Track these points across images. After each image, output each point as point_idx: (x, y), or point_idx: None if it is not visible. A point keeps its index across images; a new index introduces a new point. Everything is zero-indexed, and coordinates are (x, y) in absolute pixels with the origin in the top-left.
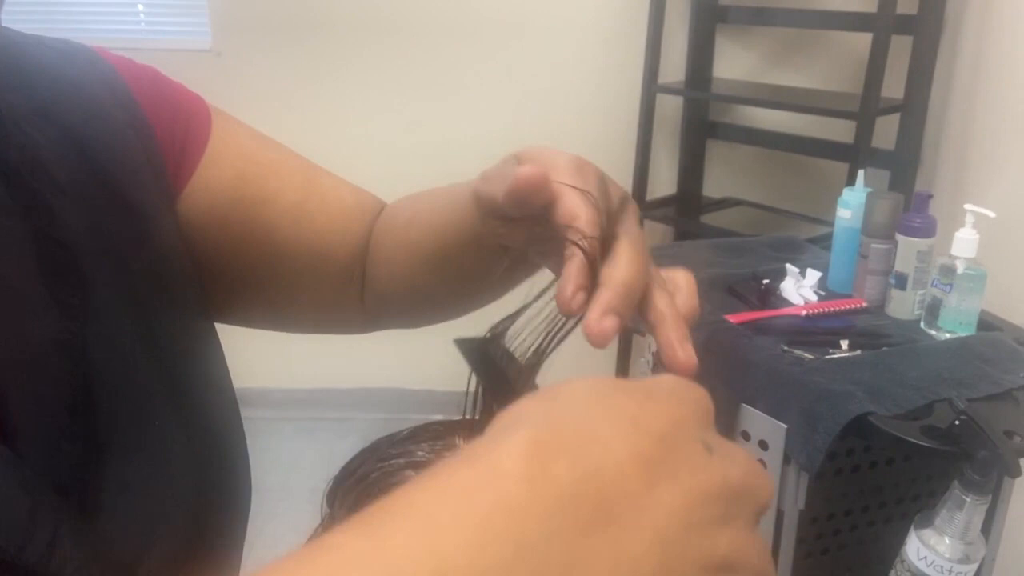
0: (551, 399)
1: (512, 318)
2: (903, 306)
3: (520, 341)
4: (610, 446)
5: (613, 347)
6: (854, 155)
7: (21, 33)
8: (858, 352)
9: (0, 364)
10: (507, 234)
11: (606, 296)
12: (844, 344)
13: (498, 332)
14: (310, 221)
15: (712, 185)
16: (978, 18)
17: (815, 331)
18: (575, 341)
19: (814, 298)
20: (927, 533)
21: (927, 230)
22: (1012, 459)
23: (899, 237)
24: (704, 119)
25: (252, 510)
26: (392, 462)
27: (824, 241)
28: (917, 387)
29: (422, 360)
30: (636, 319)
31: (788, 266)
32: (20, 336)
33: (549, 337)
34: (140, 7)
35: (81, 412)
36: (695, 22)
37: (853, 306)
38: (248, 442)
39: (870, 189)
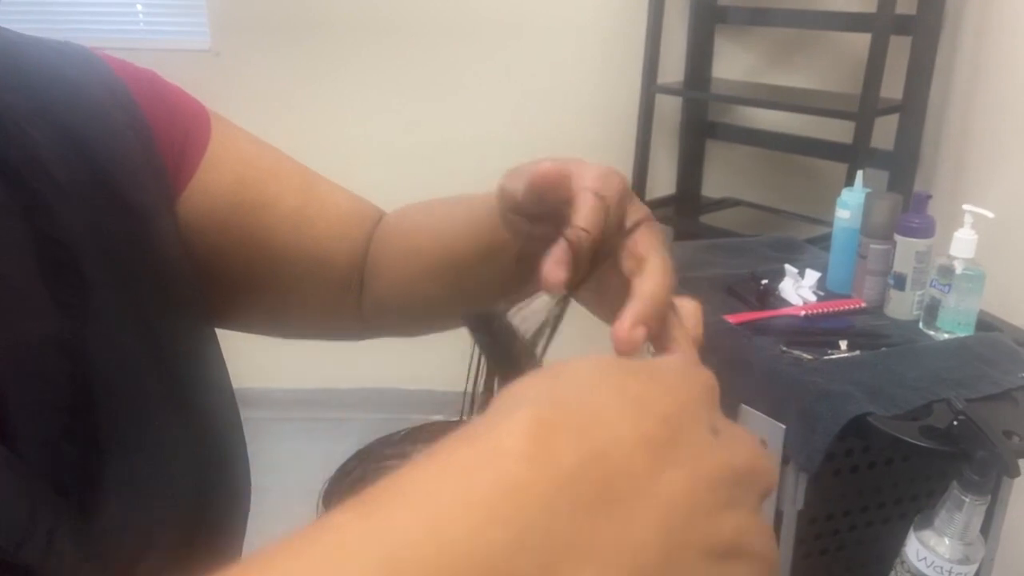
0: (554, 377)
1: (523, 297)
2: (902, 306)
3: (524, 320)
4: (615, 427)
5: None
6: (853, 155)
7: (19, 34)
8: (857, 352)
9: (0, 364)
10: (527, 232)
11: (638, 307)
12: (843, 344)
13: (506, 308)
14: (309, 226)
15: (711, 185)
16: (977, 18)
17: (814, 331)
18: (581, 323)
19: (813, 298)
20: (926, 534)
21: (926, 230)
22: (1011, 459)
23: (898, 237)
24: (703, 119)
25: (251, 510)
26: (387, 463)
27: (823, 241)
28: (916, 387)
29: (422, 360)
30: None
31: (787, 266)
32: (20, 336)
33: (549, 319)
34: (139, 7)
35: (81, 412)
36: (694, 22)
37: (852, 306)
38: (247, 442)
39: (869, 189)
